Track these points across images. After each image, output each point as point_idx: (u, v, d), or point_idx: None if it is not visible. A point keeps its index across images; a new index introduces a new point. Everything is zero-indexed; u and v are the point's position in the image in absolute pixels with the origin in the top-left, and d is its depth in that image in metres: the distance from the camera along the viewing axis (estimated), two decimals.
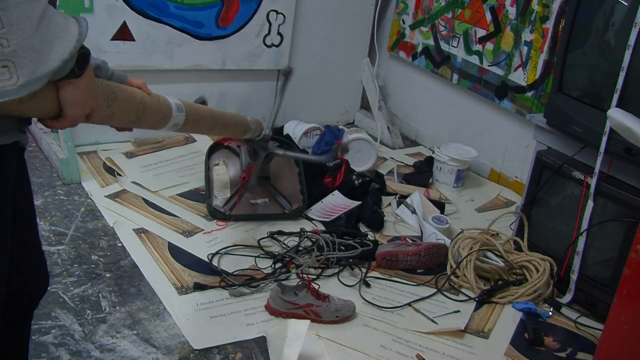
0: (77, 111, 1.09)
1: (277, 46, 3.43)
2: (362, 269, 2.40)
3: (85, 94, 1.09)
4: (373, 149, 3.31)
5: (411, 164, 3.44)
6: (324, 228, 2.64)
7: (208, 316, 2.07)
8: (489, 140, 3.40)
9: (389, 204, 2.92)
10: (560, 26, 2.90)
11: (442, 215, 2.80)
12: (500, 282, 2.39)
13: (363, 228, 2.70)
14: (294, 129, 3.34)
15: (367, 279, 2.34)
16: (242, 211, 2.64)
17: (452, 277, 2.39)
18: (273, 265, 2.35)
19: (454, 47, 3.47)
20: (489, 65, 3.28)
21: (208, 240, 2.49)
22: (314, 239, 2.47)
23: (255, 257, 2.40)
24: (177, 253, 2.38)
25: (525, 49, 3.09)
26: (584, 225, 2.28)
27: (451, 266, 2.43)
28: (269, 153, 2.54)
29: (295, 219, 2.70)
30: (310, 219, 2.72)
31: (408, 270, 2.45)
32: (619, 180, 2.24)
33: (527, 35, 3.07)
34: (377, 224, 2.72)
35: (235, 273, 2.29)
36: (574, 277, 2.32)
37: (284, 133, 3.28)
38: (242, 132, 2.22)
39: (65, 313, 2.00)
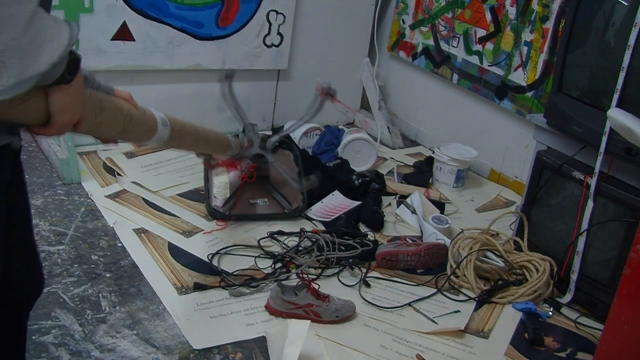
0: (66, 118, 1.08)
1: (277, 46, 3.43)
2: (362, 269, 2.40)
3: (75, 100, 1.08)
4: (373, 149, 3.31)
5: (411, 164, 3.44)
6: (324, 228, 2.64)
7: (208, 316, 2.07)
8: (489, 140, 3.40)
9: (389, 204, 2.92)
10: (560, 26, 2.90)
11: (442, 215, 2.80)
12: (500, 282, 2.39)
13: (363, 228, 2.70)
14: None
15: (367, 279, 2.34)
16: (242, 211, 2.64)
17: (452, 277, 2.39)
18: (273, 265, 2.35)
19: (454, 47, 3.47)
20: (489, 65, 3.28)
21: (208, 240, 2.49)
22: (314, 239, 2.47)
23: (255, 257, 2.40)
24: (177, 253, 2.38)
25: (525, 49, 3.09)
26: (584, 225, 2.28)
27: (451, 266, 2.43)
28: (260, 154, 2.54)
29: (295, 219, 2.70)
30: (310, 219, 2.72)
31: (408, 270, 2.45)
32: (619, 180, 2.24)
33: (527, 35, 3.07)
34: (377, 224, 2.72)
35: (235, 273, 2.29)
36: (574, 277, 2.32)
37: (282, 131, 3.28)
38: (222, 150, 2.22)
39: (65, 313, 2.00)
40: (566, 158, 2.40)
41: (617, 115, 2.03)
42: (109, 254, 2.34)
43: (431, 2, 3.58)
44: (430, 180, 3.24)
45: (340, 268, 2.38)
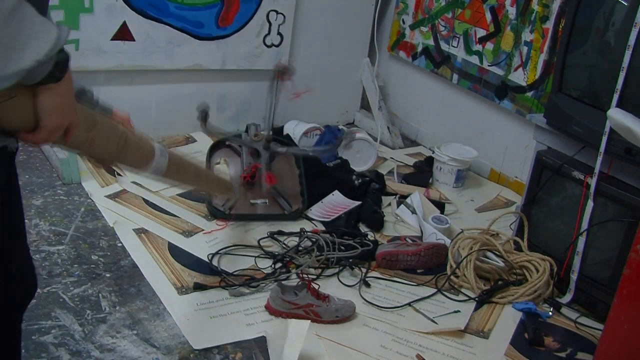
0: (54, 121, 1.03)
1: (277, 46, 3.43)
2: (362, 269, 2.40)
3: (65, 102, 1.03)
4: (373, 149, 3.31)
5: (411, 164, 3.44)
6: (324, 228, 2.64)
7: (208, 316, 2.07)
8: (489, 140, 3.40)
9: (389, 204, 2.92)
10: (560, 26, 2.90)
11: (442, 215, 2.80)
12: (500, 282, 2.39)
13: (363, 228, 2.70)
14: (294, 129, 3.34)
15: (367, 279, 2.34)
16: (242, 211, 2.64)
17: (452, 277, 2.39)
18: (273, 265, 2.35)
19: (454, 47, 3.47)
20: (489, 65, 3.28)
21: (208, 240, 2.49)
22: (314, 239, 2.47)
23: (255, 257, 2.40)
24: (177, 253, 2.38)
25: (525, 49, 3.09)
26: (584, 225, 2.28)
27: (451, 266, 2.43)
28: (272, 152, 2.55)
29: (295, 219, 2.70)
30: (310, 219, 2.72)
31: (408, 270, 2.45)
32: (619, 180, 2.24)
33: (527, 35, 3.07)
34: (377, 224, 2.72)
35: (235, 273, 2.29)
36: (574, 277, 2.32)
37: (284, 133, 3.29)
38: (224, 192, 2.19)
39: (65, 313, 2.00)
40: (566, 158, 2.40)
41: (617, 115, 2.03)
42: (109, 254, 2.34)
43: (431, 2, 3.58)
44: (430, 180, 3.24)
45: (340, 268, 2.38)
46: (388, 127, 3.74)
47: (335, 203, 2.77)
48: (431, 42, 3.61)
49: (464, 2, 3.37)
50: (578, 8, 2.31)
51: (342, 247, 2.46)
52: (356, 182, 2.92)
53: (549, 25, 2.97)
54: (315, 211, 2.74)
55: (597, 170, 2.23)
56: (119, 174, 2.86)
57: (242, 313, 2.10)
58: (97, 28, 2.89)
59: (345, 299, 2.16)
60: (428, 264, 2.47)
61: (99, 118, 1.25)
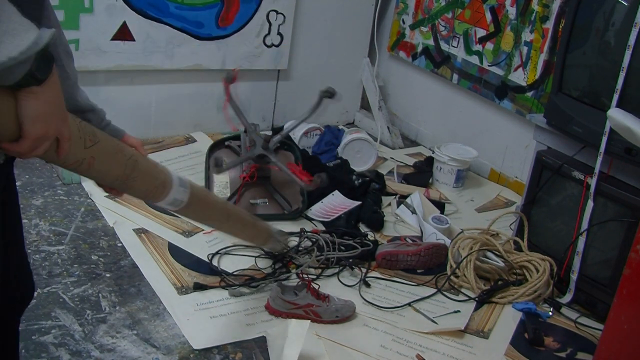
0: (39, 129, 0.94)
1: (277, 46, 3.43)
2: (362, 269, 2.40)
3: (50, 109, 0.95)
4: (373, 149, 3.31)
5: (411, 164, 3.44)
6: (324, 228, 2.64)
7: (208, 316, 2.07)
8: (489, 140, 3.40)
9: (389, 204, 2.92)
10: (560, 26, 2.90)
11: (442, 215, 2.80)
12: (500, 282, 2.39)
13: (363, 228, 2.70)
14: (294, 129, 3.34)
15: (367, 279, 2.34)
16: None
17: (452, 277, 2.39)
18: (273, 266, 2.35)
19: (454, 47, 3.47)
20: (489, 65, 3.28)
21: (208, 240, 2.49)
22: (314, 239, 2.47)
23: (256, 257, 2.40)
24: (177, 253, 2.38)
25: (525, 49, 3.09)
26: (584, 225, 2.28)
27: (451, 266, 2.43)
28: (263, 154, 2.55)
29: (295, 219, 2.70)
30: (310, 219, 2.72)
31: (408, 270, 2.45)
32: (619, 180, 2.24)
33: (527, 35, 3.07)
34: (377, 224, 2.72)
35: (235, 273, 2.29)
36: (574, 277, 2.32)
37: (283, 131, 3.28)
38: (260, 241, 2.03)
39: (65, 313, 2.00)
40: (566, 158, 2.40)
41: (617, 115, 2.03)
42: (109, 254, 2.34)
43: (431, 2, 3.58)
44: (430, 180, 3.24)
45: (340, 268, 2.38)
46: (388, 127, 3.74)
47: (335, 203, 2.77)
48: (431, 42, 3.61)
49: (464, 2, 3.37)
50: (578, 8, 2.31)
51: (342, 247, 2.46)
52: (356, 182, 2.92)
53: (549, 25, 2.97)
54: (315, 211, 2.74)
55: (597, 170, 2.23)
56: None
57: (242, 313, 2.10)
58: (97, 28, 2.89)
59: (345, 299, 2.16)
60: (428, 264, 2.47)
61: (101, 137, 1.17)
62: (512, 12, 3.13)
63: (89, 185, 2.76)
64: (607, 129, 2.15)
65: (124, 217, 2.55)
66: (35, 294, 1.45)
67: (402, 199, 2.93)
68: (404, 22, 3.77)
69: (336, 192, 2.81)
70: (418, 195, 2.87)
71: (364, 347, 2.01)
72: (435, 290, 2.35)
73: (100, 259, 2.30)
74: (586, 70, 2.35)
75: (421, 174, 3.28)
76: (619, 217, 2.19)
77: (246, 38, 3.31)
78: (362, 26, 3.78)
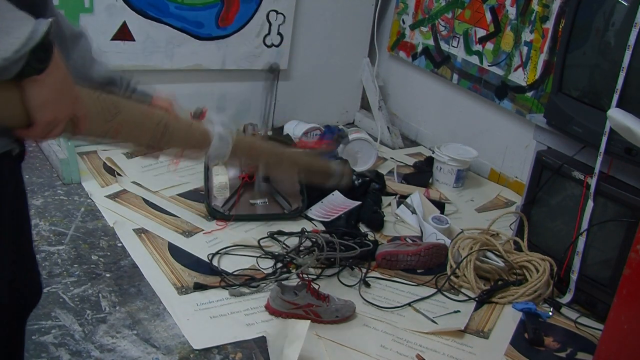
0: (48, 115, 0.95)
1: (277, 46, 3.43)
2: (362, 269, 2.39)
3: (56, 93, 0.95)
4: (373, 149, 3.31)
5: (411, 164, 3.44)
6: (324, 228, 2.64)
7: (208, 316, 2.07)
8: (489, 140, 3.40)
9: (389, 204, 2.92)
10: (560, 26, 2.90)
11: (442, 215, 2.80)
12: (500, 282, 2.39)
13: (363, 228, 2.70)
14: (294, 129, 3.34)
15: (367, 279, 2.34)
16: (242, 211, 2.64)
17: (452, 277, 2.39)
18: (274, 266, 2.35)
19: (454, 47, 3.47)
20: (489, 65, 3.28)
21: (208, 240, 2.49)
22: (314, 239, 2.47)
23: (257, 257, 2.40)
24: (177, 253, 2.38)
25: (525, 49, 3.09)
26: (584, 225, 2.28)
27: (451, 266, 2.43)
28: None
29: (295, 219, 2.70)
30: (310, 219, 2.72)
31: (408, 270, 2.45)
32: (619, 180, 2.24)
33: (527, 35, 3.07)
34: (377, 224, 2.72)
35: (235, 273, 2.29)
36: (574, 277, 2.32)
37: (284, 133, 3.28)
38: (319, 178, 1.98)
39: (65, 313, 2.00)
40: (566, 158, 2.40)
41: (617, 115, 2.03)
42: (109, 254, 2.34)
43: (431, 2, 3.58)
44: (430, 180, 3.24)
45: (340, 268, 2.38)
46: (388, 127, 3.74)
47: (335, 203, 2.77)
48: (431, 42, 3.61)
49: (464, 2, 3.37)
50: (578, 8, 2.31)
51: (342, 247, 2.46)
52: (356, 182, 2.92)
53: (549, 25, 2.97)
54: (315, 211, 2.74)
55: (597, 170, 2.23)
56: (118, 174, 2.86)
57: (242, 313, 2.10)
58: (97, 28, 2.89)
59: (345, 299, 2.16)
60: (428, 264, 2.47)
61: (124, 107, 1.18)
62: (512, 12, 3.13)
63: (89, 185, 2.76)
64: (607, 129, 2.15)
65: (124, 217, 2.55)
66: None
67: (402, 199, 2.93)
68: (404, 22, 3.77)
69: (336, 192, 2.81)
70: (418, 195, 2.87)
71: (364, 347, 2.01)
72: (435, 290, 2.35)
73: (100, 259, 2.30)
74: (586, 70, 2.35)
75: (421, 174, 3.28)
76: (619, 217, 2.19)
77: (246, 38, 3.31)
78: (362, 26, 3.78)
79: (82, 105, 1.04)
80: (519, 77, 3.14)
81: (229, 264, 2.34)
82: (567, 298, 2.34)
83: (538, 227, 2.55)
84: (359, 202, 2.77)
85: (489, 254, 2.47)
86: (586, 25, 2.29)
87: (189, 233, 2.52)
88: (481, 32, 3.30)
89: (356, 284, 2.31)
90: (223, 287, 2.20)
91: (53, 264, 2.23)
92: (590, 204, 2.25)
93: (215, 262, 2.34)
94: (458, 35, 3.43)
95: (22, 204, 1.26)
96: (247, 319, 2.07)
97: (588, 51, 2.32)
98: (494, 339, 2.14)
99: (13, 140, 1.03)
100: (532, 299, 2.33)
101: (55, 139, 0.95)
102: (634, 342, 1.61)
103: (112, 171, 2.89)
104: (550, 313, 2.30)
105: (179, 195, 2.79)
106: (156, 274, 2.24)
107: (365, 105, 3.98)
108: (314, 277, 2.30)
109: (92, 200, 2.66)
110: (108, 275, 2.22)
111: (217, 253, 2.39)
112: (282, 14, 3.37)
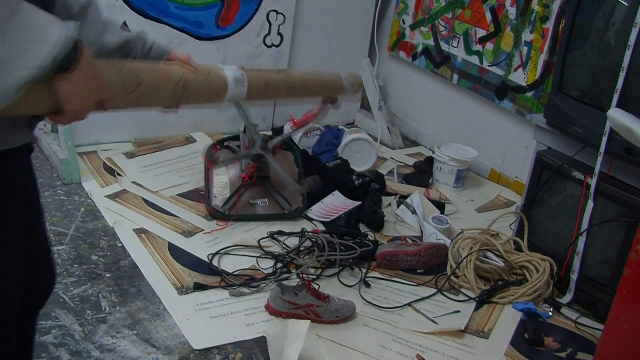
0: (75, 105, 0.99)
1: (277, 46, 3.43)
2: (362, 269, 2.40)
3: (84, 86, 0.99)
4: (373, 149, 3.31)
5: (411, 164, 3.44)
6: (324, 228, 2.64)
7: (208, 316, 2.07)
8: (489, 140, 3.40)
9: (389, 204, 2.92)
10: (560, 26, 2.90)
11: (442, 215, 2.80)
12: (500, 282, 2.39)
13: (363, 228, 2.70)
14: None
15: (367, 279, 2.34)
16: (242, 211, 2.64)
17: (452, 277, 2.39)
18: (274, 266, 2.35)
19: (454, 47, 3.47)
20: (489, 65, 3.28)
21: (208, 240, 2.49)
22: (314, 239, 2.47)
23: (257, 257, 2.40)
24: (177, 253, 2.38)
25: (525, 49, 3.09)
26: (584, 225, 2.28)
27: (451, 266, 2.43)
28: (260, 154, 2.54)
29: (295, 219, 2.70)
30: (310, 219, 2.72)
31: (408, 270, 2.45)
32: (619, 180, 2.24)
33: (527, 35, 3.07)
34: (377, 224, 2.72)
35: (235, 273, 2.29)
36: (574, 277, 2.32)
37: (284, 133, 3.28)
38: (332, 93, 2.02)
39: (65, 313, 2.00)
40: (566, 158, 2.40)
41: (617, 115, 2.03)
42: (109, 254, 2.34)
43: (431, 2, 3.58)
44: (430, 180, 3.24)
45: (340, 268, 2.38)
46: (388, 127, 3.74)
47: (335, 203, 2.77)
48: (431, 42, 3.61)
49: (464, 2, 3.37)
50: (578, 8, 2.31)
51: (342, 248, 2.46)
52: (356, 182, 2.92)
53: (549, 25, 2.97)
54: (315, 211, 2.74)
55: (597, 170, 2.23)
56: (118, 174, 2.86)
57: (242, 313, 2.10)
58: None
59: (345, 299, 2.16)
60: (428, 264, 2.47)
61: (143, 75, 1.19)
62: (512, 12, 3.13)
63: (89, 185, 2.76)
64: (607, 129, 2.15)
65: (124, 217, 2.55)
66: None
67: (402, 199, 2.93)
68: (404, 22, 3.77)
69: (336, 192, 2.81)
70: (418, 195, 2.87)
71: (364, 347, 2.01)
72: (435, 290, 2.35)
73: (100, 259, 2.30)
74: (586, 70, 2.35)
75: (421, 174, 3.28)
76: (619, 217, 2.19)
77: (246, 38, 3.31)
78: (362, 26, 3.78)
79: (107, 88, 1.07)
80: (519, 77, 3.14)
81: (229, 264, 2.34)
82: (567, 298, 2.34)
83: (538, 227, 2.55)
84: (359, 202, 2.77)
85: (489, 254, 2.47)
86: (586, 25, 2.29)
87: (189, 233, 2.52)
88: (481, 32, 3.30)
89: (356, 284, 2.31)
90: (223, 287, 2.20)
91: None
92: (590, 204, 2.25)
93: (215, 262, 2.34)
94: (458, 35, 3.43)
95: (35, 196, 1.28)
96: (247, 319, 2.07)
97: (588, 51, 2.32)
98: (494, 339, 2.14)
99: (32, 134, 1.07)
100: (532, 299, 2.33)
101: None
102: (634, 342, 1.61)
103: (112, 171, 2.89)
104: (550, 313, 2.30)
105: (179, 195, 2.79)
106: (156, 274, 2.24)
107: (365, 105, 3.98)
108: (314, 277, 2.30)
109: (92, 200, 2.66)
110: (108, 275, 2.22)
111: (217, 253, 2.39)
112: (282, 14, 3.37)
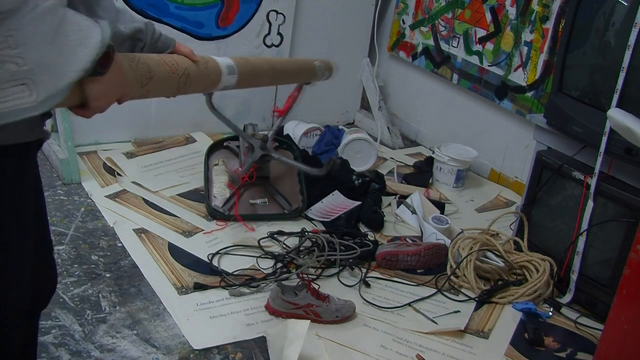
0: (102, 103, 1.07)
1: (277, 46, 3.43)
2: (362, 269, 2.40)
3: (111, 86, 1.06)
4: (373, 149, 3.31)
5: (411, 164, 3.44)
6: (324, 228, 2.64)
7: (208, 316, 2.07)
8: (489, 140, 3.40)
9: (389, 204, 2.92)
10: (560, 26, 2.90)
11: (442, 215, 2.80)
12: (500, 282, 2.39)
13: (363, 228, 2.70)
14: (294, 129, 3.34)
15: (367, 279, 2.34)
16: (242, 211, 2.64)
17: (452, 277, 2.39)
18: (274, 266, 2.35)
19: (454, 47, 3.47)
20: (489, 66, 3.28)
21: (208, 240, 2.49)
22: (314, 239, 2.47)
23: (257, 257, 2.40)
24: (177, 253, 2.38)
25: (525, 49, 3.09)
26: (584, 225, 2.28)
27: (451, 266, 2.43)
28: (264, 154, 2.54)
29: (295, 219, 2.70)
30: (310, 219, 2.72)
31: (408, 270, 2.45)
32: (619, 180, 2.24)
33: (527, 35, 3.07)
34: (377, 224, 2.72)
35: (235, 273, 2.29)
36: (574, 277, 2.32)
37: (284, 133, 3.28)
38: (308, 78, 2.22)
39: (65, 313, 2.00)
40: (566, 158, 2.40)
41: (617, 115, 2.03)
42: (109, 254, 2.34)
43: (431, 2, 3.58)
44: (430, 180, 3.24)
45: (340, 268, 2.38)
46: (388, 127, 3.74)
47: (335, 203, 2.77)
48: (431, 42, 3.61)
49: (464, 2, 3.37)
50: (578, 8, 2.31)
51: (342, 248, 2.46)
52: (356, 182, 2.92)
53: (549, 25, 2.97)
54: (315, 211, 2.74)
55: (597, 170, 2.23)
56: (118, 174, 2.86)
57: (242, 313, 2.10)
58: None
59: (345, 299, 2.16)
60: (428, 264, 2.47)
61: (154, 69, 1.24)
62: (512, 12, 3.13)
63: (89, 185, 2.76)
64: (607, 129, 2.15)
65: (124, 217, 2.55)
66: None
67: (402, 199, 2.93)
68: (404, 22, 3.77)
69: (336, 192, 2.81)
70: (418, 195, 2.87)
71: (364, 347, 2.01)
72: (435, 290, 2.35)
73: (100, 259, 2.30)
74: (586, 70, 2.35)
75: (421, 174, 3.28)
76: (619, 217, 2.19)
77: (246, 38, 3.31)
78: (362, 26, 3.78)
79: (127, 86, 1.13)
80: (519, 77, 3.14)
81: (229, 264, 2.34)
82: (567, 298, 2.34)
83: (538, 227, 2.55)
84: (359, 202, 2.77)
85: (489, 254, 2.47)
86: (586, 25, 2.29)
87: (189, 233, 2.52)
88: (481, 32, 3.30)
89: (356, 284, 2.31)
90: (223, 287, 2.20)
91: None
92: (590, 204, 2.25)
93: (215, 262, 2.34)
94: (458, 35, 3.43)
95: (41, 192, 1.30)
96: (247, 319, 2.07)
97: (588, 51, 2.32)
98: (494, 339, 2.14)
99: (43, 129, 1.11)
100: (532, 299, 2.33)
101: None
102: (634, 342, 1.61)
103: (112, 171, 2.89)
104: (550, 313, 2.30)
105: (179, 195, 2.79)
106: (156, 274, 2.24)
107: (365, 105, 3.98)
108: (314, 277, 2.30)
109: (92, 200, 2.66)
110: (108, 275, 2.22)
111: (217, 253, 2.39)
112: (282, 14, 3.37)
